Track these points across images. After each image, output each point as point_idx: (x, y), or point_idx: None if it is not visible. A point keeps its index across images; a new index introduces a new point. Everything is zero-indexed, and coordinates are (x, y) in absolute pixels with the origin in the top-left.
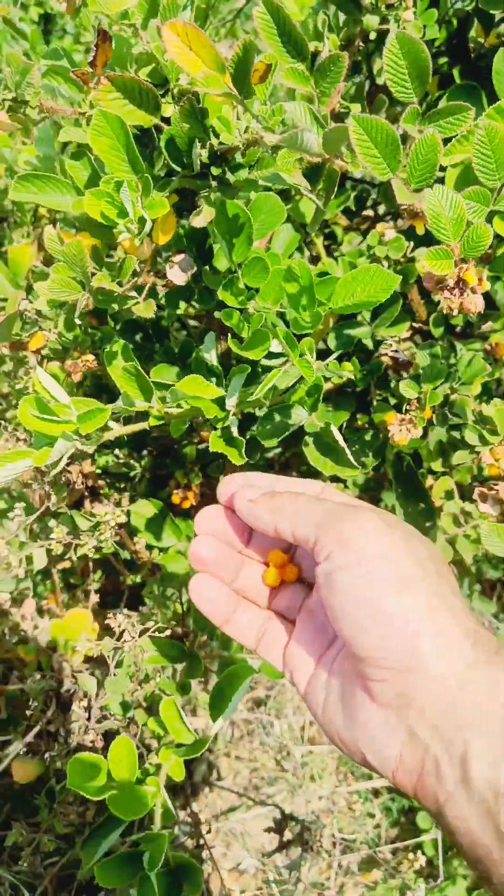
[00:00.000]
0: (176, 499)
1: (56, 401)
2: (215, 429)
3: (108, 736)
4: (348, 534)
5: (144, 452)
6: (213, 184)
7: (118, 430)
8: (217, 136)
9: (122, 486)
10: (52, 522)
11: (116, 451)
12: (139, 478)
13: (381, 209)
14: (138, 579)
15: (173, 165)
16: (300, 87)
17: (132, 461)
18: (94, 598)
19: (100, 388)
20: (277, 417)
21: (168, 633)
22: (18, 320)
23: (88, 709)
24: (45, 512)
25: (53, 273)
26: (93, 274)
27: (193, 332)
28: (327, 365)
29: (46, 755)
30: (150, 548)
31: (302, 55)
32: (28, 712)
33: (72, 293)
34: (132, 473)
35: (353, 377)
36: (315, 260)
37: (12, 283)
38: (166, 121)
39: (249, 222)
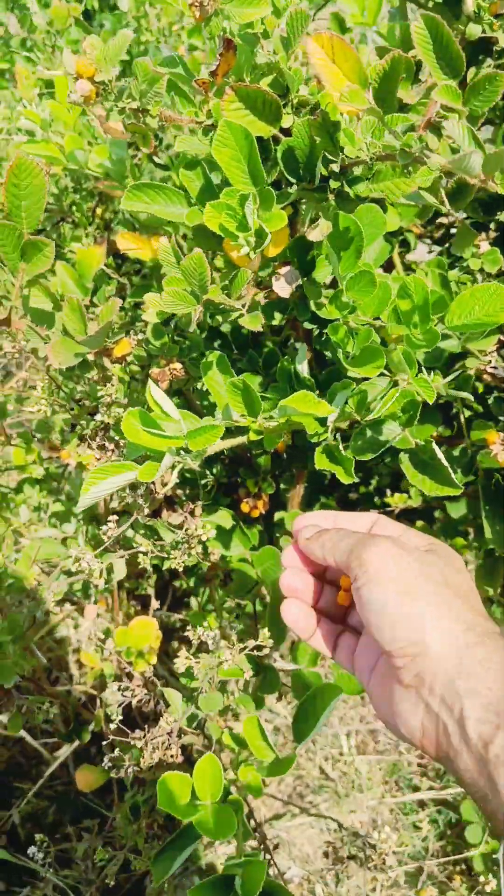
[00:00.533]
0: (245, 507)
1: (166, 416)
2: (311, 445)
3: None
4: (367, 559)
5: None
6: (330, 197)
7: (220, 444)
8: (342, 149)
9: (195, 493)
10: (129, 532)
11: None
12: (211, 486)
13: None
14: (191, 584)
15: (289, 177)
16: (452, 104)
17: (205, 470)
18: (155, 603)
19: (172, 394)
20: (369, 433)
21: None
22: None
23: (150, 720)
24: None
25: (168, 286)
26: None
27: (266, 343)
28: (449, 383)
29: (112, 767)
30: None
31: (455, 72)
32: (91, 724)
33: (186, 306)
34: (203, 482)
35: (441, 392)
36: (388, 268)
37: (78, 285)
38: (284, 132)
39: (360, 235)
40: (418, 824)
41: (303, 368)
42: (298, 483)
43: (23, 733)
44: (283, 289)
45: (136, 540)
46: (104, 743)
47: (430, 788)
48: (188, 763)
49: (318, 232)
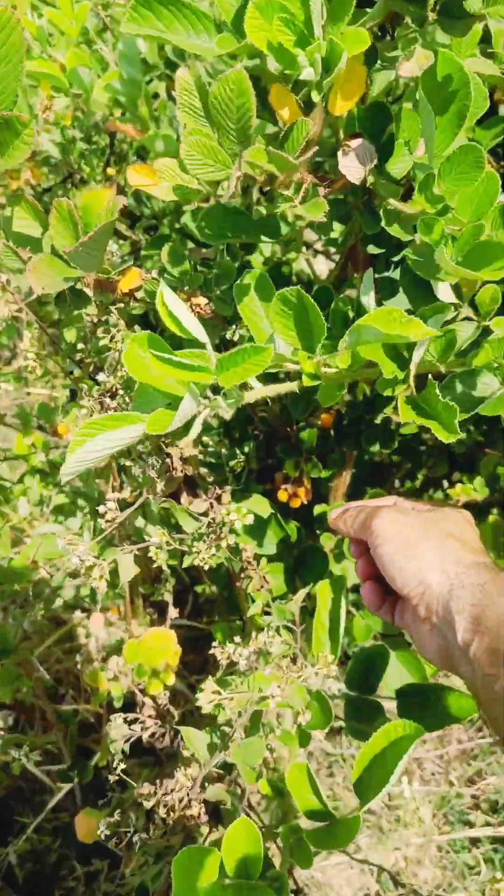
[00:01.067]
0: (283, 496)
1: (189, 335)
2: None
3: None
4: (375, 525)
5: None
6: (431, 16)
7: (261, 390)
8: None
9: (222, 478)
10: (139, 521)
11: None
12: (241, 470)
13: None
14: (213, 588)
15: None
16: None
17: (235, 449)
18: (173, 612)
19: None
20: (459, 387)
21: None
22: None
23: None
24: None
25: (190, 136)
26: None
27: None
28: None
29: (110, 836)
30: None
31: None
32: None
33: (217, 167)
34: (233, 463)
35: None
36: None
37: (84, 233)
38: None
39: (467, 87)
40: (470, 863)
41: (369, 301)
42: (346, 469)
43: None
44: (352, 169)
45: (147, 531)
46: (111, 779)
47: (487, 825)
48: (213, 816)
49: (412, 64)
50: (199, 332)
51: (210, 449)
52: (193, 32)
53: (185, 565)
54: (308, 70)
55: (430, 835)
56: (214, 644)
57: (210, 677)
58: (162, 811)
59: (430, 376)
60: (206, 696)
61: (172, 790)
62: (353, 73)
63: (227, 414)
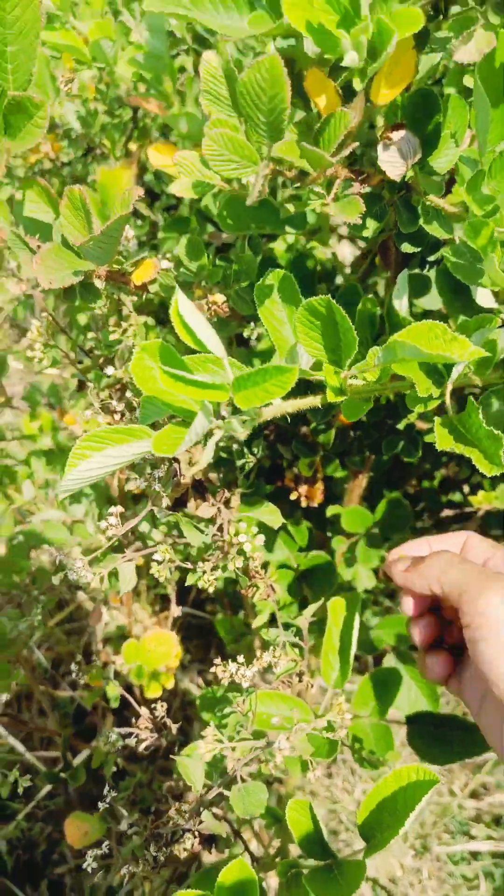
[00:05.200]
0: (295, 496)
1: (204, 348)
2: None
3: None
4: (484, 609)
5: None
6: None
7: (280, 406)
8: None
9: (232, 477)
10: (143, 526)
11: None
12: (251, 469)
13: None
14: (220, 584)
15: None
16: None
17: (244, 448)
18: (176, 611)
19: None
20: (496, 404)
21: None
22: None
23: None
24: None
25: (213, 128)
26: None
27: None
28: None
29: (97, 870)
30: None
31: None
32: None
33: (243, 162)
34: (241, 463)
35: None
36: None
37: (99, 213)
38: None
39: None
40: (469, 875)
41: (401, 305)
42: (363, 471)
43: (17, 745)
44: (393, 164)
45: (151, 536)
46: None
47: (489, 838)
48: (208, 839)
49: (471, 48)
50: (216, 345)
51: (221, 444)
52: (223, 9)
53: (188, 583)
54: (352, 55)
55: (429, 844)
56: (217, 662)
57: (211, 728)
58: (153, 849)
59: (470, 397)
60: (207, 745)
61: (164, 824)
62: (402, 58)
63: (243, 435)
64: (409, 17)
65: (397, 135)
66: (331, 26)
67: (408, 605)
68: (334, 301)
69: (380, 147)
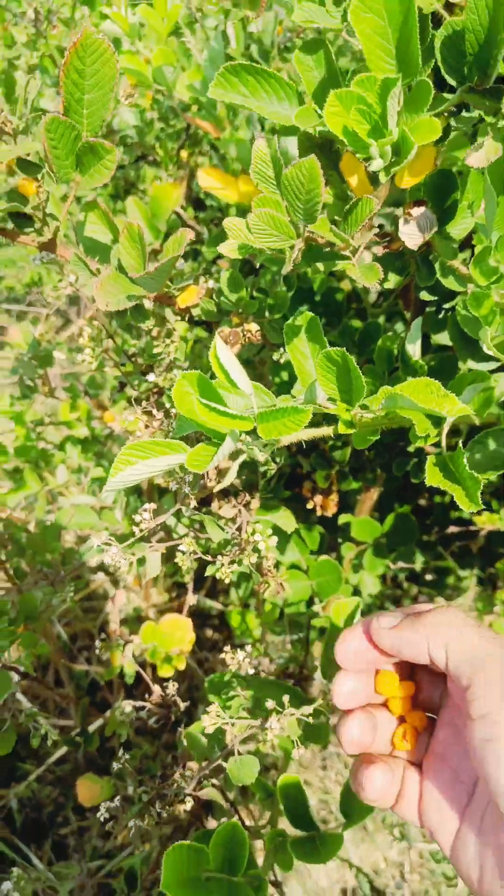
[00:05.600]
0: (311, 504)
1: (233, 386)
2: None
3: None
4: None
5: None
6: None
7: (296, 434)
8: None
9: (252, 480)
10: (170, 521)
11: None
12: (272, 476)
13: None
14: (234, 577)
15: (447, 76)
16: None
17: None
18: (192, 598)
19: (241, 364)
20: (493, 444)
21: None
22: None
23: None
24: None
25: (260, 206)
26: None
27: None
28: None
29: (108, 820)
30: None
31: None
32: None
33: (282, 237)
34: (263, 469)
35: None
36: None
37: (150, 225)
38: (449, 7)
39: None
40: (449, 874)
41: (414, 350)
42: (375, 486)
43: (34, 709)
44: (412, 236)
45: (176, 530)
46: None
47: None
48: (206, 806)
49: (480, 155)
50: (245, 384)
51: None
52: (276, 99)
53: (207, 573)
54: (378, 161)
55: (413, 840)
56: (226, 649)
57: (215, 706)
58: (158, 806)
59: (460, 443)
60: (210, 720)
61: (169, 787)
62: (423, 152)
63: (262, 457)
64: (430, 126)
65: (417, 211)
66: (362, 134)
67: (342, 689)
68: (349, 354)
69: (401, 221)
